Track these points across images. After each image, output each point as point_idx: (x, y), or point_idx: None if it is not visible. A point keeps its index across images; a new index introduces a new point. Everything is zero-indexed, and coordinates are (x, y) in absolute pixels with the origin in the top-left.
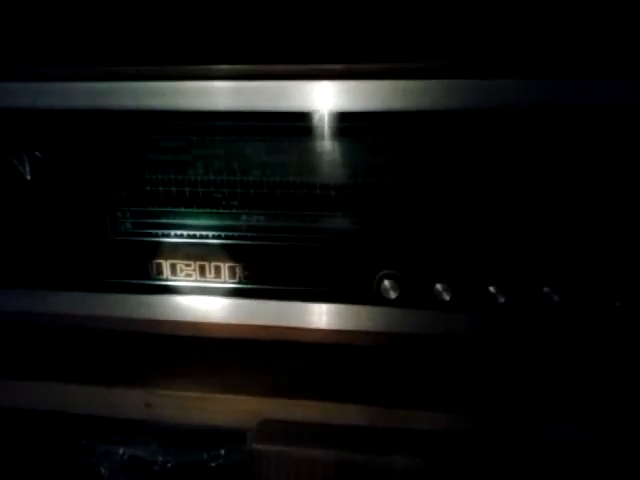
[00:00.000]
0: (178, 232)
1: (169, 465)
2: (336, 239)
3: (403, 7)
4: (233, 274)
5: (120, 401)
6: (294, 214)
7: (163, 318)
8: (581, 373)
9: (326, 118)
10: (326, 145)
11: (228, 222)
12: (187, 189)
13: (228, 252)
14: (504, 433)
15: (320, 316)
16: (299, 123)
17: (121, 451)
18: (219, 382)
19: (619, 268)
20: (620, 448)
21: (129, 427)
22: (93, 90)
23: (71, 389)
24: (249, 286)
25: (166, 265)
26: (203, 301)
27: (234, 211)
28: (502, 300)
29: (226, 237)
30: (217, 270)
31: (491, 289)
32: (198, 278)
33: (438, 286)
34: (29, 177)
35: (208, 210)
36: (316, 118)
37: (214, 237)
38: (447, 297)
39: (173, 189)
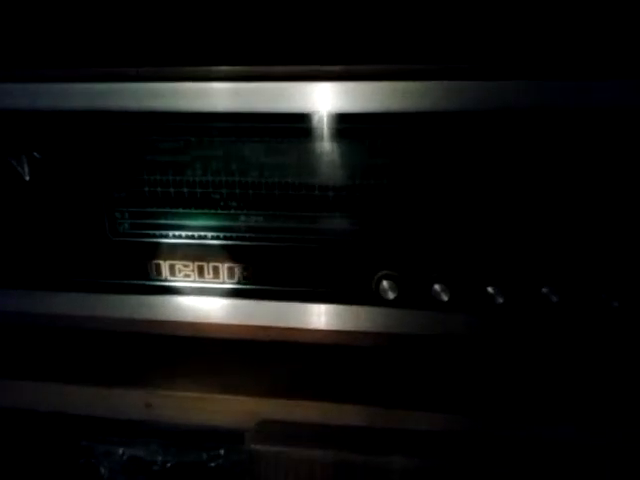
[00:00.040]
0: (176, 233)
1: (168, 465)
2: (334, 240)
3: (402, 8)
4: (232, 275)
5: (120, 401)
6: (292, 215)
7: (161, 318)
8: (579, 373)
9: (325, 119)
10: (325, 146)
11: (226, 223)
12: (186, 190)
13: (226, 253)
14: (502, 433)
15: (319, 317)
16: (298, 124)
17: (121, 451)
18: (218, 382)
19: (617, 269)
20: (618, 448)
21: (129, 427)
22: (93, 91)
23: (71, 390)
24: (248, 287)
25: (165, 266)
26: (202, 302)
27: (232, 212)
28: (500, 300)
29: (224, 238)
30: (215, 271)
31: (489, 289)
32: (197, 279)
33: (436, 287)
34: (28, 178)
35: (206, 211)
36: (315, 119)
37: (212, 238)
38: (445, 297)
39: (172, 190)
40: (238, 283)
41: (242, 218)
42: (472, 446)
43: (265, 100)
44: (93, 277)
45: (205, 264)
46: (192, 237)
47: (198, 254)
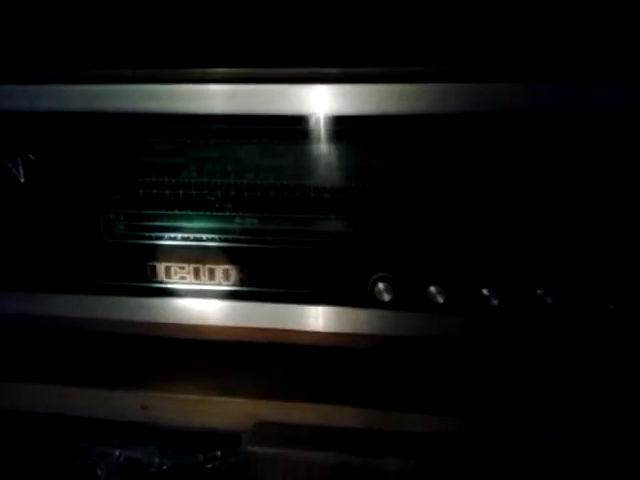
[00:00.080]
0: (172, 235)
1: (165, 467)
2: (330, 242)
3: (400, 11)
4: (227, 277)
5: (117, 403)
6: (288, 217)
7: (160, 321)
8: (575, 375)
9: (322, 122)
10: (321, 148)
11: (222, 225)
12: (181, 192)
13: (222, 255)
14: (498, 435)
15: (316, 319)
16: (295, 126)
17: (117, 453)
18: (216, 384)
19: (613, 271)
20: (614, 451)
21: (126, 429)
22: (90, 93)
23: (69, 391)
24: (243, 288)
25: (160, 268)
26: (199, 304)
27: (228, 214)
28: (495, 302)
29: (220, 240)
30: (211, 273)
31: (484, 291)
32: (192, 281)
33: (432, 289)
34: (23, 180)
35: (202, 213)
36: (312, 122)
37: (208, 240)
38: (441, 300)
39: (167, 192)
40: (234, 285)
41: (237, 220)
42: (468, 448)
43: (262, 102)
44: (90, 279)
45: (201, 266)
46: (187, 239)
47: (194, 256)
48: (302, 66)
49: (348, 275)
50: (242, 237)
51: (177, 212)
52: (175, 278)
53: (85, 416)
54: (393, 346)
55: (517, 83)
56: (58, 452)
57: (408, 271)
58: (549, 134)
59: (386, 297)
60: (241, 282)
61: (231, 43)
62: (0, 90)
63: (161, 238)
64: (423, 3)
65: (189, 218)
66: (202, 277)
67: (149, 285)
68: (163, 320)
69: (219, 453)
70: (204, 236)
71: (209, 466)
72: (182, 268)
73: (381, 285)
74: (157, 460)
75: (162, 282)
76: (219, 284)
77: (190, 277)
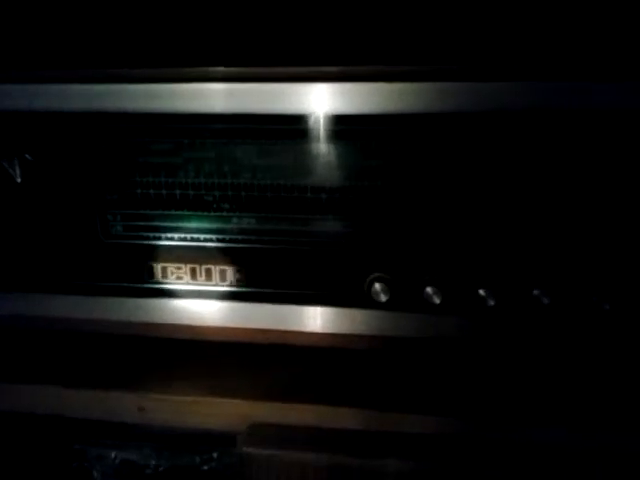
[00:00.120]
0: (169, 235)
1: (161, 469)
2: (327, 242)
3: (399, 10)
4: (224, 277)
5: (113, 405)
6: (285, 217)
7: (158, 321)
8: (571, 376)
9: (320, 121)
10: (320, 148)
11: (219, 225)
12: (178, 192)
13: (219, 255)
14: (494, 436)
15: (314, 319)
16: (294, 126)
17: (113, 455)
18: (213, 385)
19: (608, 271)
20: (609, 452)
21: (121, 431)
22: (90, 92)
23: (67, 393)
24: (241, 289)
25: (157, 268)
26: (197, 304)
27: (225, 214)
28: (492, 303)
29: (217, 240)
30: (208, 273)
31: (481, 292)
32: (189, 281)
33: (428, 289)
34: (19, 180)
35: (199, 213)
36: (311, 121)
37: (205, 240)
38: (437, 300)
39: (164, 192)
40: (230, 285)
41: (235, 220)
42: (465, 449)
43: (261, 101)
44: (87, 280)
45: (197, 266)
46: (184, 239)
47: (190, 256)
48: (301, 65)
49: (345, 275)
50: (239, 237)
51: (174, 212)
52: (172, 278)
53: (82, 417)
54: (390, 347)
55: (516, 82)
56: (54, 454)
57: (405, 272)
58: (547, 133)
59: (383, 298)
60: (238, 282)
61: (231, 42)
62: (0, 89)
63: (158, 238)
64: (423, 2)
65: (186, 218)
66: (199, 277)
67: (146, 286)
68: (163, 321)
69: (215, 455)
70: (201, 236)
71: (205, 468)
72: (179, 268)
73: (378, 286)
74: (153, 462)
75: (159, 282)
76: (215, 284)
77: (187, 277)
